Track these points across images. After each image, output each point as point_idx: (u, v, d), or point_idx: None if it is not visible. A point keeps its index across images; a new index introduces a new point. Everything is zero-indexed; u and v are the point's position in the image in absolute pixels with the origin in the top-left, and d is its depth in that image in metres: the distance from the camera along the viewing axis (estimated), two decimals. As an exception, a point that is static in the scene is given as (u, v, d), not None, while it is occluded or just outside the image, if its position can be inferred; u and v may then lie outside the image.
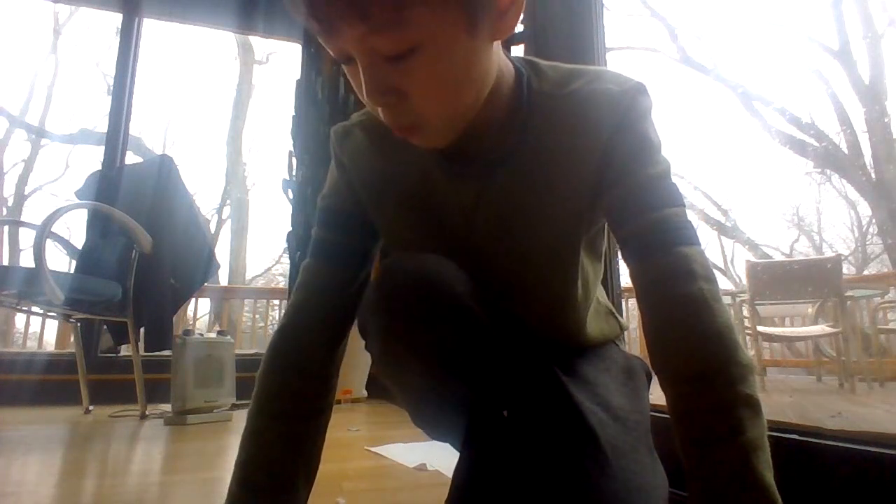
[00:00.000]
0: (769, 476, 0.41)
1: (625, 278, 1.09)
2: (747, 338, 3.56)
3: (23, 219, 5.71)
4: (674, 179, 0.53)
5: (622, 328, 0.73)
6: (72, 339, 2.46)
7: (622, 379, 0.63)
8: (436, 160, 0.56)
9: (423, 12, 0.41)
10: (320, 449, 0.60)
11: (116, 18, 3.00)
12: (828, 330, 3.44)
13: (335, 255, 0.61)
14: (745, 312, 3.46)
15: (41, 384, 2.36)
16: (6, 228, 8.26)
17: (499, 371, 0.56)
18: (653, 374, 0.54)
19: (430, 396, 0.57)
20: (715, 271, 0.50)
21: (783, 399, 2.87)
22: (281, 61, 9.43)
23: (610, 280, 1.13)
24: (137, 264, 2.07)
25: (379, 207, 0.61)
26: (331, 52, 0.46)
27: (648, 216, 0.50)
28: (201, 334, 1.98)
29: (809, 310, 4.08)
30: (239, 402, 1.98)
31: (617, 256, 1.08)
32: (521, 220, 0.56)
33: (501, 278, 0.59)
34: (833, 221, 9.28)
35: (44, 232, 1.79)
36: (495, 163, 0.55)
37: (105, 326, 2.48)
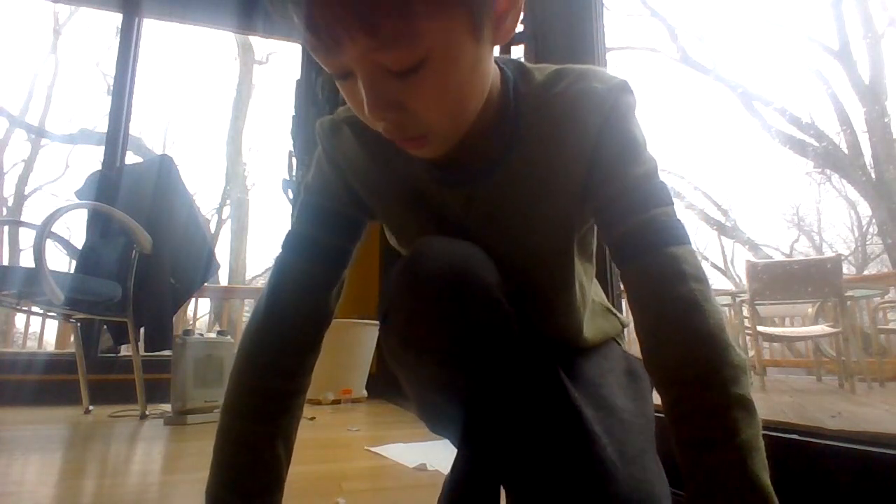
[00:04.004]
0: (765, 477, 0.41)
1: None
2: (747, 338, 3.56)
3: (23, 219, 5.68)
4: (665, 178, 0.52)
5: (623, 325, 0.72)
6: (72, 339, 2.46)
7: (625, 381, 0.62)
8: (424, 167, 0.55)
9: (433, 22, 0.39)
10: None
11: (116, 18, 3.00)
12: (828, 330, 3.44)
13: (322, 255, 0.60)
14: (745, 312, 3.46)
15: (41, 384, 2.36)
16: (6, 228, 8.25)
17: (507, 367, 0.54)
18: None
19: (441, 388, 0.55)
20: (714, 271, 0.50)
21: (783, 399, 2.86)
22: (281, 61, 9.46)
23: (609, 280, 1.13)
24: (137, 264, 2.07)
25: (384, 209, 0.60)
26: (326, 68, 0.43)
27: (636, 218, 0.50)
28: (201, 334, 1.98)
29: (809, 310, 4.08)
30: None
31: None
32: (512, 225, 0.56)
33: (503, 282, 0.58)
34: (833, 221, 9.27)
35: (44, 232, 1.78)
36: (484, 169, 0.54)
37: (105, 326, 2.48)
